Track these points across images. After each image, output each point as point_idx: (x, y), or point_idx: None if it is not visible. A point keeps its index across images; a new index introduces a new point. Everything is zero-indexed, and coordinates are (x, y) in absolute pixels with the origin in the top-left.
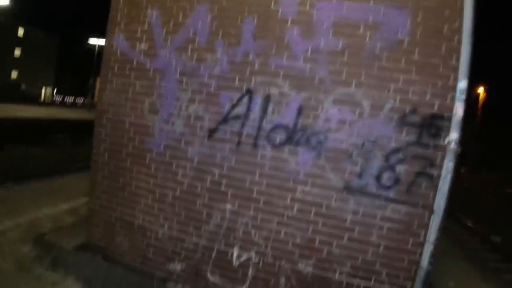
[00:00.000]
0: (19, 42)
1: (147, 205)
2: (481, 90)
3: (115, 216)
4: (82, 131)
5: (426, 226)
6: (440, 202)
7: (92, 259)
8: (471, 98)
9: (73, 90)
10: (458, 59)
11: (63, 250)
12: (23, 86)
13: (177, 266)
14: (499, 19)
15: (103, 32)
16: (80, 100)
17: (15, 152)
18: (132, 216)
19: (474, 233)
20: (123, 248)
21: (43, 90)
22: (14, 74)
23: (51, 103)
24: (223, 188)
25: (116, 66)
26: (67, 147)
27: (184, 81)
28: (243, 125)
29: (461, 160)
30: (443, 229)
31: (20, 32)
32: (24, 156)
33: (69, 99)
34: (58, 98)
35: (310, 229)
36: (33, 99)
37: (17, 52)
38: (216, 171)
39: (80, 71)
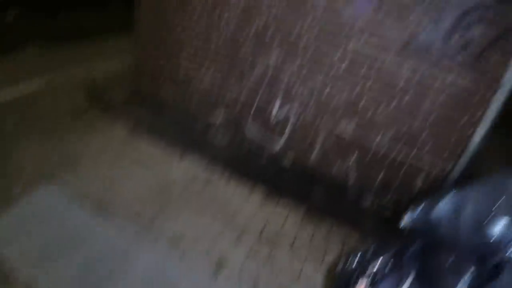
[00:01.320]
0: None
1: (191, 54)
2: None
3: (161, 65)
4: None
5: (488, 101)
6: (510, 77)
7: (140, 106)
8: None
9: None
10: None
11: (113, 97)
12: None
13: (219, 116)
14: None
15: None
16: None
17: (70, 17)
18: (177, 65)
19: None
20: (169, 96)
21: None
22: None
23: None
24: (269, 34)
25: None
26: (121, 10)
27: None
28: None
29: None
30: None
31: None
32: (77, 20)
33: None
34: None
35: (359, 86)
36: None
37: None
38: (264, 16)
39: None
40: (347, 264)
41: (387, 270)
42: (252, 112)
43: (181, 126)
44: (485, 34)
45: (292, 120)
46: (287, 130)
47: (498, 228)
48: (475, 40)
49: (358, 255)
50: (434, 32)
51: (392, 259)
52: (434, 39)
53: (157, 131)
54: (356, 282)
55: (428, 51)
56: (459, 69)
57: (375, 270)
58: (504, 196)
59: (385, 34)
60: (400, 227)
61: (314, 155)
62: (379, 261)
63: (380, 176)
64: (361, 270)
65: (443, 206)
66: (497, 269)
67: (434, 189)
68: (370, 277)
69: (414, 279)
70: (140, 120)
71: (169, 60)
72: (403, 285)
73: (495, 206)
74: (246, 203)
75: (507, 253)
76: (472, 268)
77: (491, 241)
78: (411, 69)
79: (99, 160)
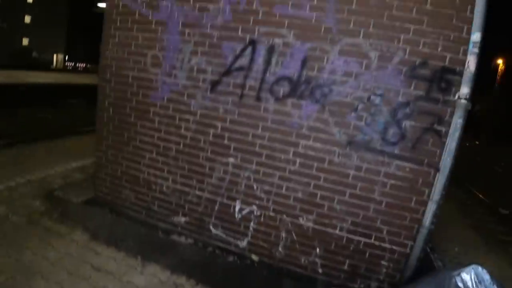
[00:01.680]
0: (29, 9)
1: (151, 159)
2: (500, 62)
3: (120, 170)
4: (94, 95)
5: (430, 185)
6: (446, 160)
7: (99, 212)
8: (490, 69)
9: (84, 57)
10: (472, 11)
11: (72, 204)
12: (34, 53)
13: (181, 219)
14: None
15: None
16: (91, 66)
17: (28, 116)
18: (137, 170)
19: (484, 205)
20: (129, 201)
21: (54, 57)
22: (25, 41)
23: (63, 69)
24: (226, 142)
25: (118, 20)
26: (78, 111)
27: (187, 32)
28: (246, 77)
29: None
30: (454, 198)
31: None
32: (36, 119)
33: (81, 65)
34: (70, 65)
35: (312, 184)
36: (45, 66)
37: (27, 19)
38: (219, 124)
39: (91, 37)
40: None
41: None
42: (214, 213)
43: (143, 231)
44: (417, 125)
45: (254, 218)
46: (251, 228)
47: None
48: (408, 131)
49: None
50: (373, 127)
51: None
52: (373, 134)
53: (118, 236)
54: None
55: (370, 144)
56: (400, 158)
57: None
58: None
59: (331, 131)
60: None
61: (279, 251)
62: None
63: (347, 263)
64: None
65: None
66: None
67: (400, 268)
68: None
69: None
70: (101, 224)
71: (130, 165)
72: None
73: None
74: None
75: None
76: None
77: None
78: (358, 162)
79: (58, 267)
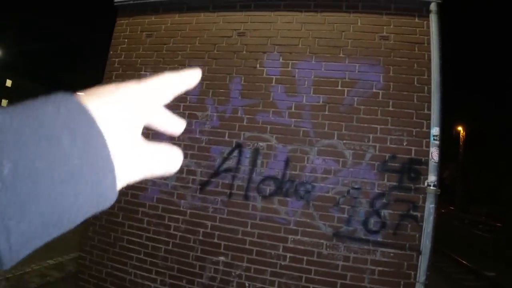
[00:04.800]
0: (6, 93)
1: (139, 260)
2: (460, 128)
3: (105, 272)
4: None
5: (415, 267)
6: (426, 242)
7: None
8: (452, 137)
9: None
10: (429, 108)
11: None
12: None
13: None
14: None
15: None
16: None
17: None
18: (123, 272)
19: (469, 271)
20: None
21: None
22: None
23: None
24: (216, 240)
25: None
26: None
27: (176, 137)
28: (234, 178)
29: (449, 197)
30: (438, 268)
31: (8, 83)
32: None
33: None
34: None
35: (303, 278)
36: None
37: (4, 103)
38: (209, 223)
39: None
40: None
41: None
42: None
43: None
44: (395, 213)
45: None
46: None
47: None
48: (388, 219)
49: None
50: (355, 218)
51: None
52: (356, 224)
53: None
54: None
55: (355, 234)
56: (383, 245)
57: None
58: None
59: (317, 224)
60: None
61: None
62: None
63: None
64: None
65: None
66: None
67: None
68: None
69: None
70: None
71: (116, 266)
72: None
73: None
74: None
75: None
76: None
77: None
78: (345, 253)
79: None
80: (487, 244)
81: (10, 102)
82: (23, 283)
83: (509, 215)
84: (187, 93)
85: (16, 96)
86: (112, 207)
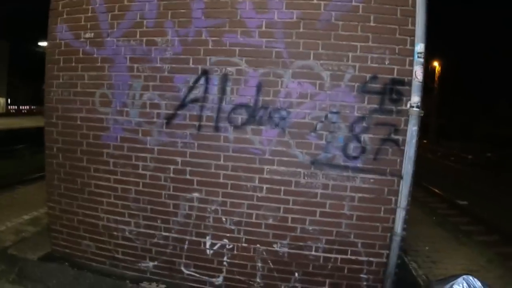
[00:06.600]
0: None
1: (110, 204)
2: (436, 64)
3: (77, 220)
4: (40, 139)
5: (396, 192)
6: (407, 167)
7: (59, 267)
8: (429, 70)
9: (28, 99)
10: (413, 23)
11: (29, 261)
12: None
13: (149, 264)
14: None
15: None
16: (36, 107)
17: None
18: (95, 218)
19: (442, 200)
20: (90, 252)
21: None
22: None
23: (5, 113)
24: (188, 176)
25: (61, 59)
26: (25, 157)
27: (136, 67)
28: (202, 108)
29: (423, 132)
30: (413, 198)
31: None
32: None
33: (25, 108)
34: (12, 108)
35: (281, 209)
36: None
37: None
38: (179, 159)
39: (34, 78)
40: None
41: None
42: (184, 252)
43: (109, 282)
44: (375, 137)
45: (227, 251)
46: (225, 263)
47: None
48: (368, 144)
49: None
50: (334, 144)
51: None
52: (335, 151)
53: None
54: None
55: (334, 161)
56: (363, 171)
57: None
58: None
59: (293, 153)
60: None
61: (258, 281)
62: None
63: (327, 283)
64: None
65: None
66: None
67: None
68: None
69: None
70: (62, 282)
71: (86, 213)
72: None
73: None
74: None
75: None
76: None
77: None
78: (324, 181)
79: None
80: (460, 176)
81: None
82: None
83: (482, 148)
84: (142, 16)
85: None
86: (74, 151)
